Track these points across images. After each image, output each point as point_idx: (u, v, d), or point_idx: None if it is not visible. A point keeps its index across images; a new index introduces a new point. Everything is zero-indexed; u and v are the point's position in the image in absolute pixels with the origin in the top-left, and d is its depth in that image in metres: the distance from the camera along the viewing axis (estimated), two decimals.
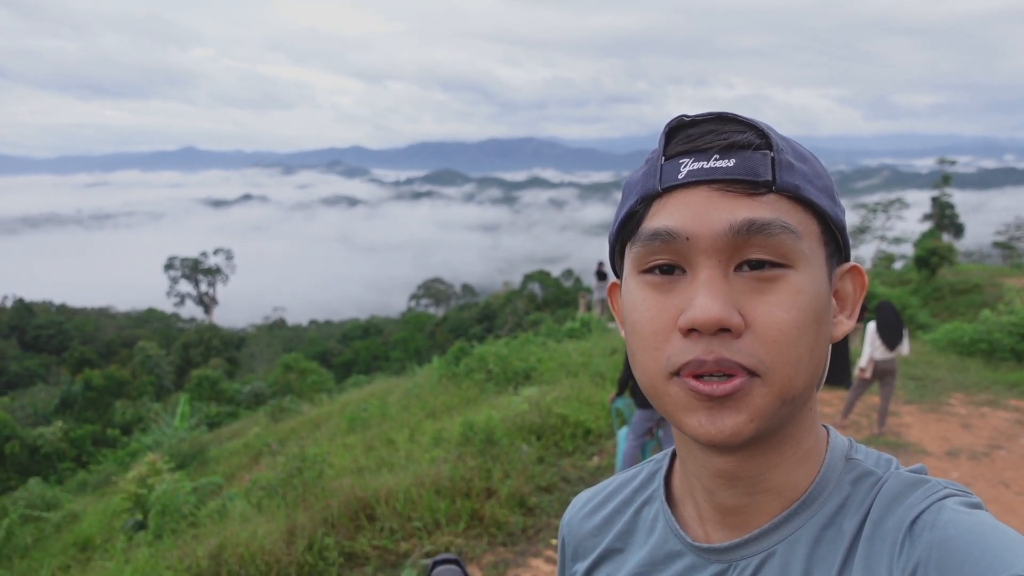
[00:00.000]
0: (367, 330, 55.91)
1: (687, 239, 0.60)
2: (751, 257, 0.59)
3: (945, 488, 0.60)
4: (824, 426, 0.71)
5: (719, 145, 0.61)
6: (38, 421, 26.22)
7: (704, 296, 0.58)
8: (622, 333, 0.68)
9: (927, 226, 37.76)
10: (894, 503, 0.61)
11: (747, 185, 0.60)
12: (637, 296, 0.63)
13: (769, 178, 0.60)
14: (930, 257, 22.84)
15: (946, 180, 39.50)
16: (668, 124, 0.64)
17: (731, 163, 0.60)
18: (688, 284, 0.60)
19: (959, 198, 41.05)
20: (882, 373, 7.12)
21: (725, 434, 0.59)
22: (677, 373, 0.60)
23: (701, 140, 0.62)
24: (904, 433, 7.27)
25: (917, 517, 0.58)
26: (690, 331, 0.59)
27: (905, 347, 7.19)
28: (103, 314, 70.84)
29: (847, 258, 0.68)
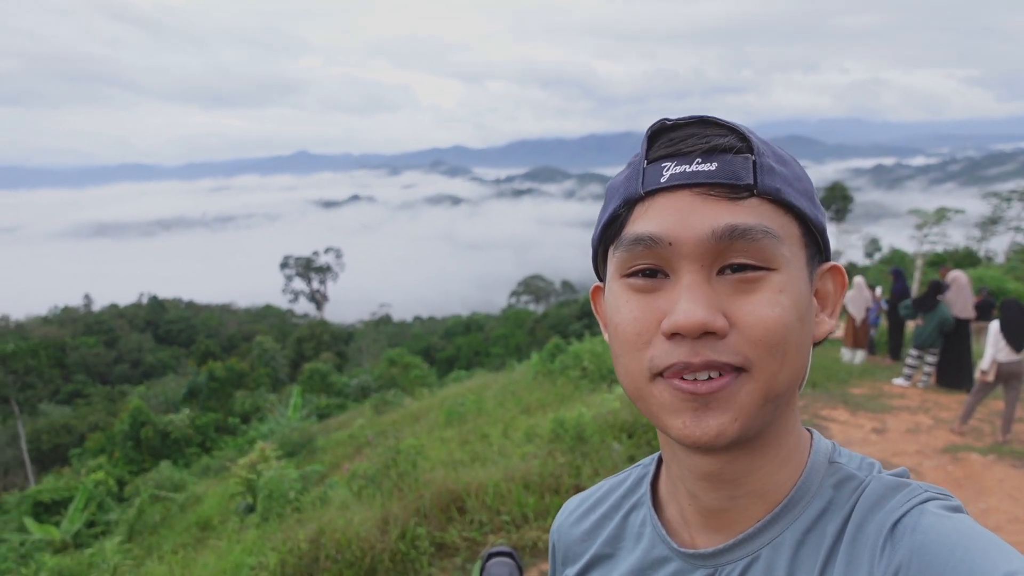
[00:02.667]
0: (468, 326, 56.93)
1: (670, 244, 0.60)
2: (733, 261, 0.60)
3: (926, 491, 0.60)
4: (808, 429, 0.71)
5: (701, 148, 0.61)
6: (169, 408, 28.42)
7: (687, 300, 0.58)
8: (606, 337, 0.69)
9: None
10: (876, 506, 0.61)
11: (729, 189, 0.60)
12: (620, 299, 0.64)
13: (751, 182, 0.60)
14: None
15: None
16: (650, 128, 0.65)
17: (713, 167, 0.60)
18: (671, 288, 0.61)
19: None
20: (1007, 376, 6.60)
21: (710, 435, 0.59)
22: (660, 374, 0.61)
23: (683, 144, 0.62)
24: None
25: (898, 520, 0.58)
26: (673, 335, 0.59)
27: None
28: (226, 310, 75.76)
29: (827, 259, 0.68)
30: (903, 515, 0.58)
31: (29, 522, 12.22)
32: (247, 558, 4.16)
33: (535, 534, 4.61)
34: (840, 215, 42.61)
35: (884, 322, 11.93)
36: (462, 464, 6.25)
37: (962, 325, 9.01)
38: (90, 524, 12.59)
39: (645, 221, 0.62)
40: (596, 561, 0.79)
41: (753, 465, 0.65)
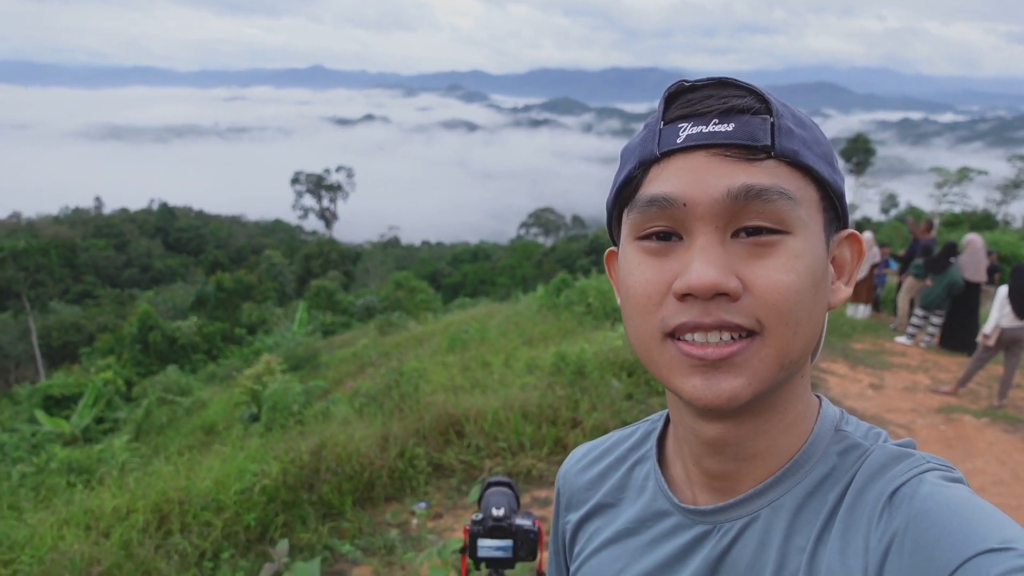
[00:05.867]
0: (476, 254, 57.02)
1: (684, 205, 0.59)
2: (748, 224, 0.59)
3: (928, 462, 0.61)
4: (817, 396, 0.71)
5: (718, 109, 0.60)
6: (176, 315, 28.83)
7: (700, 262, 0.58)
8: (619, 300, 0.69)
9: None
10: (876, 475, 0.61)
11: (746, 150, 0.59)
12: (633, 262, 0.64)
13: (768, 143, 0.59)
14: None
15: None
16: (667, 89, 0.64)
17: (730, 127, 0.59)
18: (685, 250, 0.60)
19: None
20: (1008, 342, 6.61)
21: (723, 398, 0.59)
22: (672, 334, 0.60)
23: (700, 105, 0.61)
24: None
25: (897, 489, 0.58)
26: (686, 296, 0.59)
27: None
28: (235, 222, 75.84)
29: (845, 225, 0.67)
30: (902, 484, 0.58)
31: (40, 414, 12.61)
32: (250, 465, 4.28)
33: (530, 462, 4.74)
34: (860, 168, 41.90)
35: (891, 280, 11.89)
36: (462, 390, 6.38)
37: (973, 289, 8.97)
38: (98, 420, 12.99)
39: (660, 182, 0.61)
40: (599, 509, 0.81)
41: (759, 429, 0.65)
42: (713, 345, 0.59)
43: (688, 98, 0.62)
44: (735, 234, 0.59)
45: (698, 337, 0.59)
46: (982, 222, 29.55)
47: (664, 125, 0.62)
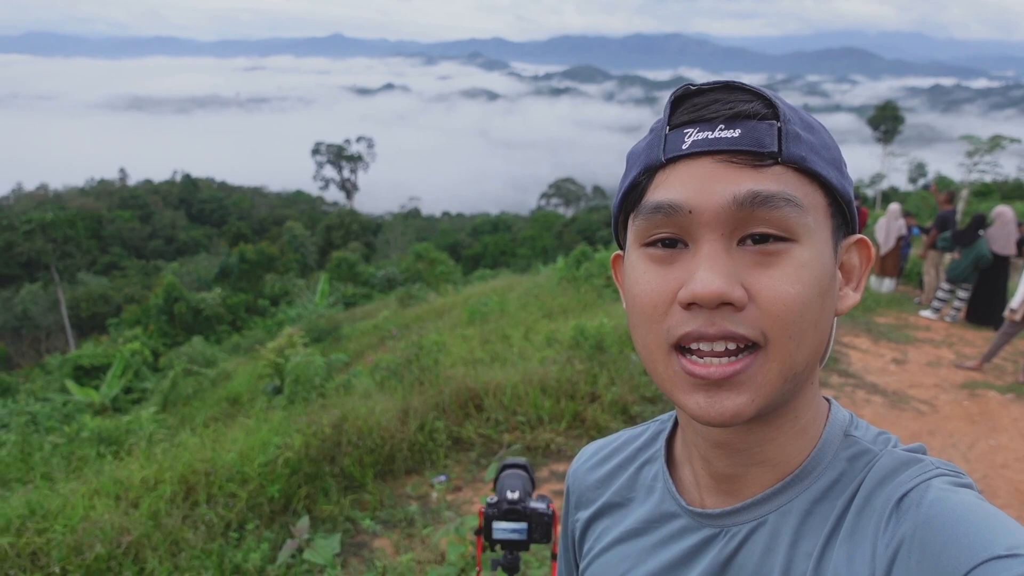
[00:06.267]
0: (496, 225, 56.90)
1: (690, 212, 0.59)
2: (754, 231, 0.58)
3: (937, 468, 0.60)
4: (826, 399, 0.71)
5: (725, 115, 0.59)
6: (201, 286, 29.23)
7: (705, 270, 0.57)
8: (624, 306, 0.68)
9: None
10: (885, 480, 0.61)
11: (752, 156, 0.58)
12: (638, 270, 0.63)
13: (775, 149, 0.58)
14: None
15: None
16: (673, 93, 0.63)
17: (736, 133, 0.59)
18: (690, 258, 0.60)
19: None
20: None
21: (725, 416, 0.59)
22: (677, 346, 0.60)
23: (707, 110, 0.60)
24: None
25: (905, 495, 0.58)
26: (691, 305, 0.58)
27: None
28: (257, 193, 76.22)
29: (854, 230, 0.67)
30: (910, 490, 0.58)
31: (71, 384, 12.92)
32: (274, 437, 4.36)
33: (548, 436, 4.78)
34: (888, 136, 40.88)
35: (915, 252, 11.71)
36: (482, 363, 6.40)
37: (1001, 262, 8.80)
38: (127, 390, 13.27)
39: (665, 189, 0.61)
40: (608, 508, 0.82)
41: (767, 436, 0.65)
42: (716, 364, 0.58)
43: (694, 102, 0.62)
44: (741, 241, 0.59)
45: (703, 346, 0.59)
46: (1014, 192, 28.84)
47: (670, 130, 0.62)
